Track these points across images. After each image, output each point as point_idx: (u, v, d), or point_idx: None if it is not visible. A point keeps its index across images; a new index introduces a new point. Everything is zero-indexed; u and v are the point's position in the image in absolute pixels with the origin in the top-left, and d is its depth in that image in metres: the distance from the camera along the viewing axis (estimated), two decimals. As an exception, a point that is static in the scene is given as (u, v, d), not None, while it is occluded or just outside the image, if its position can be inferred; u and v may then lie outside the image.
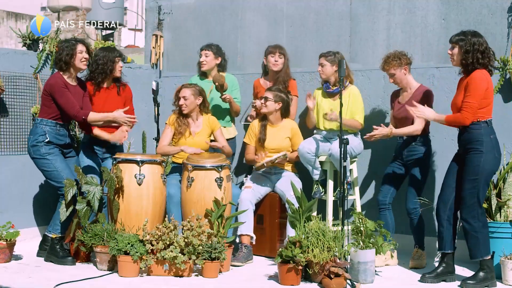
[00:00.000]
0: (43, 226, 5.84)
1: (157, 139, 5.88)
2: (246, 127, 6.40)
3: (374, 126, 5.26)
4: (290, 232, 5.23)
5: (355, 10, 6.12)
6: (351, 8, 6.15)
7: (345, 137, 4.98)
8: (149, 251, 4.87)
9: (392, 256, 5.30)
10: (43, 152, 5.20)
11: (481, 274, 4.63)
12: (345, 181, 4.91)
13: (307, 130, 5.86)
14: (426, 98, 5.17)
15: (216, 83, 5.81)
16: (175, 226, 4.99)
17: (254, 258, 5.48)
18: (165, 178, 5.43)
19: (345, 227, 4.88)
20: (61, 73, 5.29)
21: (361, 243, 4.81)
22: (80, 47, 5.28)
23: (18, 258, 5.34)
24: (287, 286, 4.64)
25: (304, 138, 5.70)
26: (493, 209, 5.04)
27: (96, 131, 5.51)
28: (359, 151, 5.64)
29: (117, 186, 5.15)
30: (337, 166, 5.31)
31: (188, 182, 5.36)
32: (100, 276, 4.82)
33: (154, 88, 5.90)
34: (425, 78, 5.67)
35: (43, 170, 5.26)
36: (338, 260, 4.62)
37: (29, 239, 5.91)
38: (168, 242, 4.88)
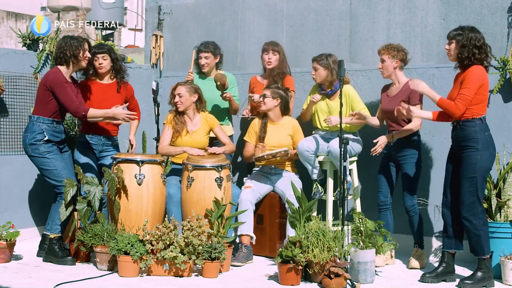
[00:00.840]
0: (43, 226, 5.82)
1: (157, 139, 5.87)
2: (243, 124, 6.40)
3: (374, 140, 5.30)
4: (290, 232, 5.23)
5: (355, 10, 6.12)
6: (351, 8, 6.15)
7: (345, 136, 4.99)
8: (149, 251, 4.87)
9: (392, 256, 5.31)
10: (42, 150, 5.20)
11: (479, 274, 4.64)
12: (345, 181, 4.92)
13: (307, 128, 5.86)
14: (415, 92, 5.18)
15: (218, 83, 5.82)
16: (175, 226, 4.99)
17: (254, 258, 5.49)
18: (165, 178, 5.42)
19: (345, 227, 4.89)
20: (59, 68, 5.27)
21: (361, 243, 4.81)
22: (86, 46, 5.30)
23: (18, 258, 5.34)
24: (287, 286, 4.64)
25: (305, 136, 5.71)
26: (493, 209, 5.05)
27: (92, 112, 5.28)
28: (358, 150, 5.64)
29: (118, 186, 5.16)
30: (336, 164, 5.32)
31: (188, 182, 5.35)
32: (100, 276, 4.82)
33: (154, 88, 5.90)
34: (425, 78, 5.67)
35: (42, 169, 5.26)
36: (338, 260, 4.62)
37: (29, 239, 5.92)
38: (168, 242, 4.88)
